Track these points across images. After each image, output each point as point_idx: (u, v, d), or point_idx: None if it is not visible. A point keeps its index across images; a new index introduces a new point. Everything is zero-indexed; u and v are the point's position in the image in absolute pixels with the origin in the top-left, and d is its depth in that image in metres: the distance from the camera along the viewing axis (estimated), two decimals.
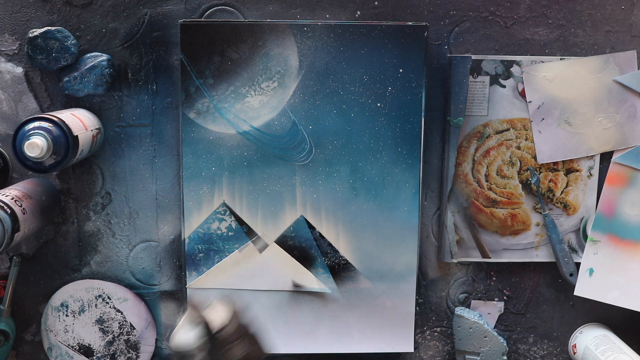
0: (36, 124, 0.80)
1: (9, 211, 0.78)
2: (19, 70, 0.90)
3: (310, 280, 0.92)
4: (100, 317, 0.94)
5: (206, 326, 0.73)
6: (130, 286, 0.94)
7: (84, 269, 0.94)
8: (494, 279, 0.97)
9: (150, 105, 0.91)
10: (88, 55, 0.89)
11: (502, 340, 0.95)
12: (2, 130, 0.91)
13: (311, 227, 0.91)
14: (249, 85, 0.89)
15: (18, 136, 0.80)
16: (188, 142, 0.89)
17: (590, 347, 0.93)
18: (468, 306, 0.97)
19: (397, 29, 0.88)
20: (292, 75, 0.89)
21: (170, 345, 0.74)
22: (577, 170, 0.94)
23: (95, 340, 0.94)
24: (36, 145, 0.78)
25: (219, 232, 0.91)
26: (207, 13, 0.90)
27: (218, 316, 0.75)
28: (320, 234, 0.91)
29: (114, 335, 0.94)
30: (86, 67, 0.88)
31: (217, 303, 0.78)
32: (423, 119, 0.89)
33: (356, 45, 0.88)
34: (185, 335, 0.73)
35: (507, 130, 0.92)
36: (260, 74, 0.88)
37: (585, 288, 0.94)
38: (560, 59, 0.91)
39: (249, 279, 0.92)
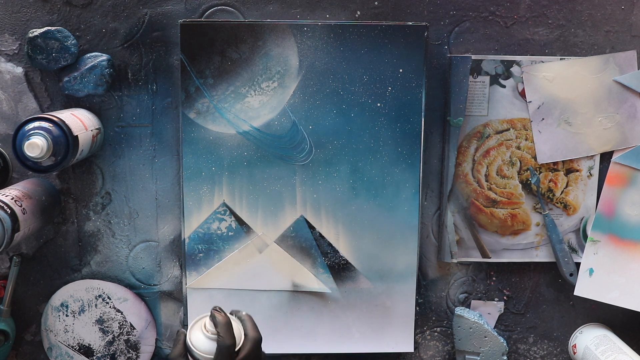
0: (36, 124, 0.80)
1: (9, 211, 0.78)
2: (19, 70, 0.90)
3: (310, 280, 0.92)
4: (100, 317, 0.94)
5: (230, 343, 0.70)
6: (130, 286, 0.94)
7: (84, 269, 0.94)
8: (494, 279, 0.97)
9: (150, 105, 0.91)
10: (88, 55, 0.88)
11: (502, 340, 0.95)
12: (2, 130, 0.91)
13: (311, 227, 0.91)
14: (249, 85, 0.89)
15: (18, 136, 0.80)
16: (188, 142, 0.89)
17: (590, 347, 0.93)
18: (468, 306, 0.97)
19: (397, 29, 0.88)
20: (292, 75, 0.89)
21: (187, 341, 0.72)
22: (577, 170, 0.94)
23: (95, 340, 0.94)
24: (36, 145, 0.78)
25: (219, 232, 0.91)
26: (207, 13, 0.90)
27: (238, 333, 0.73)
28: (320, 234, 0.91)
29: (114, 335, 0.94)
30: (86, 67, 0.88)
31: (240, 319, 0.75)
32: (423, 119, 0.89)
33: (356, 45, 0.88)
34: (205, 341, 0.72)
35: (507, 130, 0.92)
36: (260, 74, 0.88)
37: (585, 288, 0.94)
38: (560, 59, 0.91)
39: (249, 279, 0.92)
